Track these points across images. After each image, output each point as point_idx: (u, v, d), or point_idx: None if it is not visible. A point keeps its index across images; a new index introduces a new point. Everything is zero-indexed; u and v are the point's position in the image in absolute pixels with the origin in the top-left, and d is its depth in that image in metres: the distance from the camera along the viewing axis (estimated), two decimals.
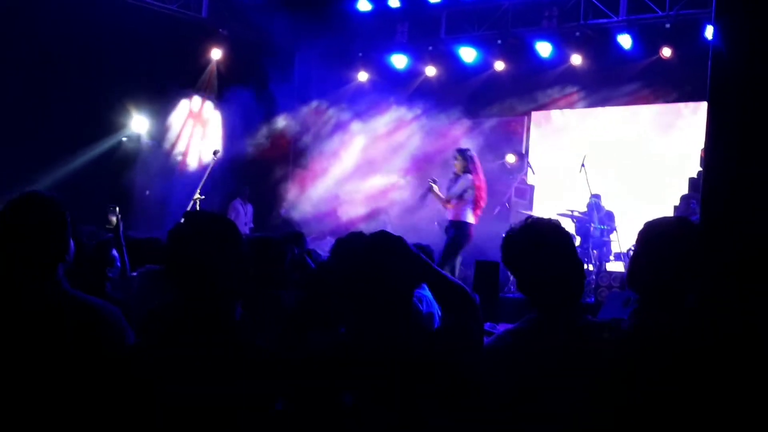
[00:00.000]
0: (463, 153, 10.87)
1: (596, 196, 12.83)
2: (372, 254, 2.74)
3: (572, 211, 12.83)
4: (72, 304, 2.95)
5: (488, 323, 6.24)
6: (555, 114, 15.50)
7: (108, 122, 14.04)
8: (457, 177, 10.76)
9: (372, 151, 14.91)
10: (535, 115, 15.60)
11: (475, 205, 10.71)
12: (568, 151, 14.97)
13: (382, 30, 15.71)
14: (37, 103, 12.70)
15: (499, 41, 14.90)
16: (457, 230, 10.67)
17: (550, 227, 3.02)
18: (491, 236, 12.75)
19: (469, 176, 10.63)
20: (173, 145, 15.12)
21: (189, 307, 2.78)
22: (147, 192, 13.80)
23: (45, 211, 3.04)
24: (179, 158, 15.14)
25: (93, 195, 8.74)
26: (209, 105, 15.80)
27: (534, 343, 2.82)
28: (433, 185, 10.92)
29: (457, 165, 10.76)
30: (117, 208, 5.22)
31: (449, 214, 10.82)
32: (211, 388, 2.67)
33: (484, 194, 10.81)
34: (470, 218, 10.72)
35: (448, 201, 10.70)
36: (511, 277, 12.66)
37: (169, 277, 2.85)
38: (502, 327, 6.48)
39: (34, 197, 3.08)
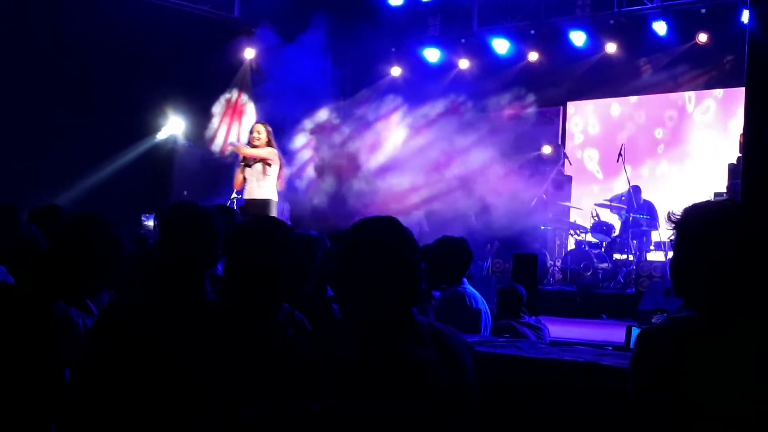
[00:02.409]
0: (265, 125, 9.86)
1: (635, 187, 12.72)
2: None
3: (610, 201, 12.74)
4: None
5: (532, 317, 6.22)
6: (591, 104, 15.38)
7: (145, 124, 14.16)
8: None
9: (407, 145, 14.90)
10: (570, 105, 15.50)
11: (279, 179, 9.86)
12: (605, 141, 14.87)
13: (415, 24, 15.70)
14: (75, 108, 12.84)
15: (533, 32, 14.84)
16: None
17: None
18: (529, 229, 12.76)
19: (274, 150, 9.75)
20: (210, 145, 15.21)
21: (239, 304, 2.83)
22: (185, 192, 13.90)
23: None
24: (216, 158, 15.22)
25: (131, 197, 8.83)
26: (244, 104, 15.88)
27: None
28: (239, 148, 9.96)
29: (261, 138, 9.65)
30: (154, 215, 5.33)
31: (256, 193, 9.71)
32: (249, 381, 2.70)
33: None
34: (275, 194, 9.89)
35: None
36: (550, 269, 12.64)
37: (228, 274, 2.89)
38: (543, 319, 6.47)
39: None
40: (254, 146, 9.63)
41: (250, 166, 9.62)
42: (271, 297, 2.87)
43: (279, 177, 9.77)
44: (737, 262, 2.39)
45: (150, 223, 10.83)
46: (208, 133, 15.27)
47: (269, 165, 9.60)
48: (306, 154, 15.50)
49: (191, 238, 3.26)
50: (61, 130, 12.53)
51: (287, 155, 14.87)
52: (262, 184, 9.60)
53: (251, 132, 9.80)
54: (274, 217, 3.00)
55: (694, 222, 2.47)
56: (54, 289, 3.20)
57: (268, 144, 9.64)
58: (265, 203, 9.54)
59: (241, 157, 9.83)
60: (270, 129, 9.79)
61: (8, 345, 3.07)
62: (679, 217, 2.51)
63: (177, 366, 2.86)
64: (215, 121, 15.49)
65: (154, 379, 2.97)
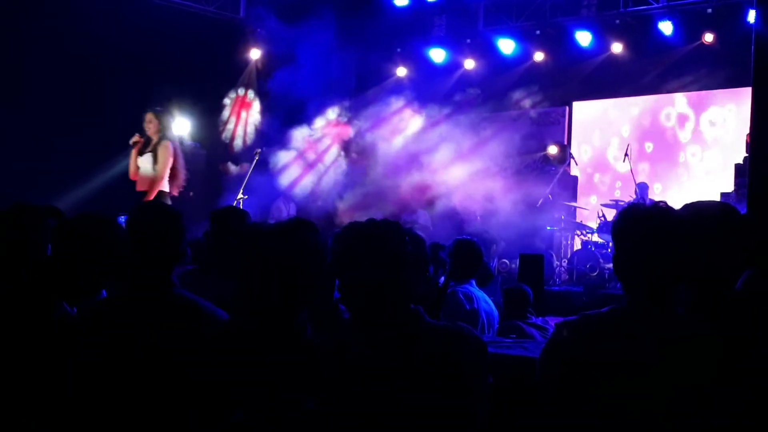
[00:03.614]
0: (159, 113, 9.18)
1: (642, 186, 12.70)
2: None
3: (617, 201, 12.71)
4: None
5: (538, 318, 6.22)
6: (597, 104, 15.35)
7: None
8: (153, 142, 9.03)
9: (412, 145, 14.89)
10: (576, 105, 15.47)
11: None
12: (612, 141, 14.85)
13: (420, 24, 15.69)
14: (80, 108, 12.84)
15: (538, 32, 14.82)
16: None
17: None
18: (536, 229, 12.75)
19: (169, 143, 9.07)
20: (215, 146, 15.23)
21: (257, 307, 2.86)
22: (191, 194, 13.90)
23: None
24: (221, 159, 15.24)
25: (137, 198, 8.82)
26: (250, 104, 15.91)
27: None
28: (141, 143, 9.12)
29: (152, 128, 9.02)
30: None
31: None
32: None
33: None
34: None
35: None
36: (556, 270, 12.62)
37: (245, 275, 2.91)
38: (550, 320, 6.46)
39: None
40: (147, 135, 8.96)
41: (141, 155, 8.96)
42: (293, 298, 2.88)
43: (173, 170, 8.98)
44: (668, 260, 2.62)
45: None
46: (214, 134, 15.29)
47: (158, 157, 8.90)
48: (310, 155, 15.51)
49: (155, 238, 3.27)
50: (66, 131, 12.53)
51: (290, 151, 14.90)
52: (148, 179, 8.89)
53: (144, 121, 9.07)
54: (296, 218, 3.00)
55: (629, 222, 2.74)
56: (56, 289, 3.22)
57: (159, 132, 8.95)
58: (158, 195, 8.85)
59: (134, 145, 9.05)
60: (164, 117, 9.16)
61: (12, 347, 3.08)
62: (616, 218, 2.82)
63: (175, 364, 2.89)
64: (220, 122, 15.54)
65: (152, 376, 3.01)
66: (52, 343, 3.12)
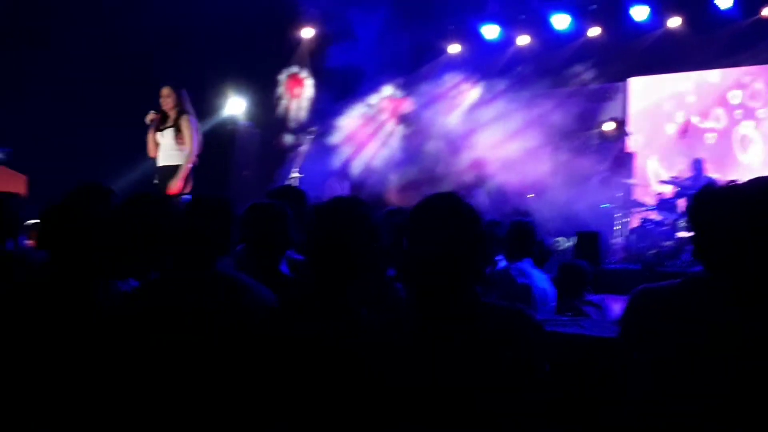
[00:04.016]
0: (176, 87, 9.01)
1: (698, 161, 12.48)
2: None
3: (675, 178, 12.51)
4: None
5: (594, 295, 6.14)
6: (653, 79, 15.09)
7: (206, 105, 14.26)
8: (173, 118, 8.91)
9: (467, 123, 14.80)
10: (632, 81, 15.22)
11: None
12: (669, 117, 14.61)
13: (473, 1, 15.54)
14: (135, 91, 12.96)
15: (594, 6, 14.63)
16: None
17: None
18: (591, 206, 12.61)
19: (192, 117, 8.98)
20: (269, 125, 15.30)
21: (322, 283, 2.90)
22: (245, 173, 14.01)
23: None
24: (277, 138, 15.31)
25: (192, 178, 8.88)
26: (303, 82, 15.94)
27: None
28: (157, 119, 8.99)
29: (170, 102, 8.89)
30: None
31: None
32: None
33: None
34: None
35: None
36: (613, 247, 12.48)
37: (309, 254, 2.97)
38: (606, 298, 6.38)
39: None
40: (163, 110, 8.87)
41: (161, 131, 8.87)
42: (350, 275, 2.91)
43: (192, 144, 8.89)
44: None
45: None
46: (268, 113, 15.35)
47: (180, 133, 8.83)
48: (363, 133, 15.51)
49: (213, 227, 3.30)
50: (121, 113, 12.67)
51: (338, 129, 14.92)
52: (174, 152, 8.84)
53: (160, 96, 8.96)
54: (351, 196, 3.02)
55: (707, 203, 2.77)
56: (110, 268, 3.25)
57: (177, 107, 8.87)
58: (176, 168, 8.80)
59: (150, 121, 8.94)
60: (181, 91, 8.98)
61: (59, 326, 3.11)
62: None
63: (226, 341, 2.91)
64: (275, 101, 15.59)
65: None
66: (104, 323, 3.14)
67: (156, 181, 8.79)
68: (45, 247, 3.28)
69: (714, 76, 14.32)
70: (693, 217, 2.81)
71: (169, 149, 8.81)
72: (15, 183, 9.05)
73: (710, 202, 2.75)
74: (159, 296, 3.17)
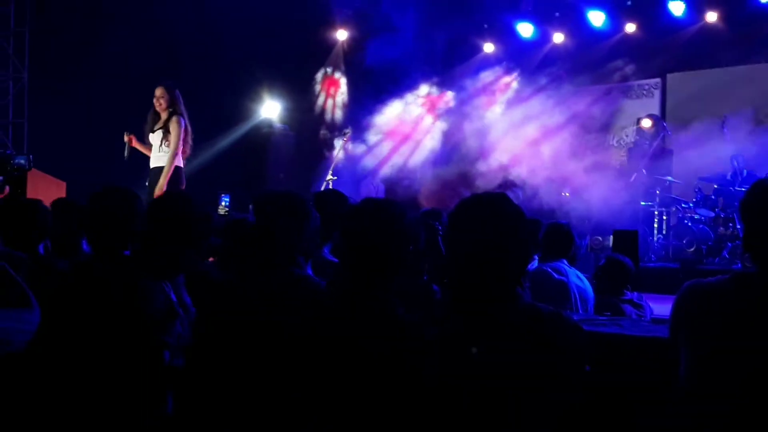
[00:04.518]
0: (170, 88, 8.83)
1: (737, 157, 12.33)
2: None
3: (714, 175, 12.37)
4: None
5: (634, 293, 6.07)
6: (691, 75, 14.93)
7: (241, 109, 14.37)
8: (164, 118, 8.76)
9: (503, 121, 14.75)
10: (670, 77, 15.08)
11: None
12: (707, 113, 14.44)
13: None
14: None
15: (629, 2, 14.52)
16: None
17: None
18: (629, 204, 12.50)
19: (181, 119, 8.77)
20: (304, 128, 15.35)
21: (354, 283, 2.90)
22: (281, 175, 14.06)
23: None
24: (312, 140, 15.36)
25: (229, 180, 8.95)
26: (338, 84, 15.99)
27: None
28: (132, 138, 8.86)
29: (163, 103, 8.72)
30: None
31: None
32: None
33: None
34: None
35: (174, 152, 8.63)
36: (652, 246, 12.37)
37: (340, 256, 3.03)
38: (645, 296, 6.31)
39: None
40: (155, 111, 8.73)
41: (153, 132, 8.73)
42: (382, 277, 2.91)
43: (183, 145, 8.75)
44: None
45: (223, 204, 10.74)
46: (303, 116, 15.40)
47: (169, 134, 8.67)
48: (398, 134, 15.51)
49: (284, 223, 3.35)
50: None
51: (373, 130, 14.93)
52: (163, 154, 8.68)
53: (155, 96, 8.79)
54: (386, 199, 3.05)
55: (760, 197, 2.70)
56: (149, 266, 3.29)
57: (171, 107, 8.70)
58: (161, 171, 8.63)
59: (129, 142, 8.85)
60: (175, 92, 8.81)
61: (107, 322, 3.15)
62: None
63: (280, 340, 2.93)
64: (309, 104, 15.65)
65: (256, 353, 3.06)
66: (154, 322, 3.19)
67: (147, 183, 8.67)
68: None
69: (751, 71, 14.14)
70: (744, 211, 2.74)
71: (157, 150, 8.70)
72: (55, 189, 9.15)
73: (763, 196, 2.69)
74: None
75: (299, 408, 2.86)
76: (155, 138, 8.68)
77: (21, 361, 3.13)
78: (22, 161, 7.92)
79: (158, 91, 8.69)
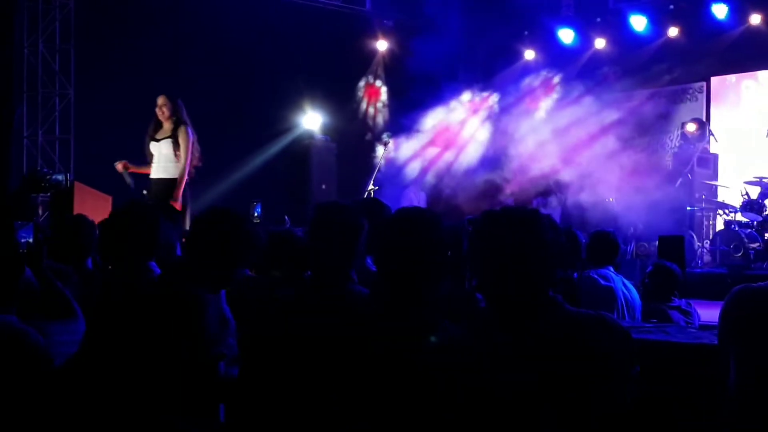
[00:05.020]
0: (173, 98, 8.60)
1: None
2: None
3: (760, 179, 12.20)
4: None
5: (682, 300, 6.01)
6: (736, 78, 14.76)
7: (282, 121, 14.47)
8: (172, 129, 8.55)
9: (545, 128, 14.68)
10: (714, 80, 14.92)
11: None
12: (753, 116, 14.27)
13: (547, 5, 15.44)
14: (213, 107, 13.22)
15: (671, 6, 14.40)
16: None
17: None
18: (674, 209, 12.36)
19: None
20: (345, 138, 15.40)
21: (395, 288, 2.89)
22: (323, 186, 14.12)
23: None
24: (354, 150, 15.41)
25: (270, 191, 8.99)
26: (379, 94, 16.05)
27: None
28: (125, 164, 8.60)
29: (166, 111, 8.50)
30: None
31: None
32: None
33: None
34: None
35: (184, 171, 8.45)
36: (698, 251, 12.22)
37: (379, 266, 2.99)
38: (692, 303, 6.24)
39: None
40: (158, 120, 8.54)
41: (157, 141, 8.51)
42: (421, 287, 2.89)
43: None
44: None
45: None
46: (345, 127, 15.46)
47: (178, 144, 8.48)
48: (439, 143, 15.51)
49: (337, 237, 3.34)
50: (199, 131, 12.91)
51: (414, 138, 14.93)
52: (170, 164, 8.49)
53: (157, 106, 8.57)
54: (419, 207, 3.03)
55: None
56: (196, 279, 3.33)
57: (174, 115, 8.51)
58: (173, 182, 8.45)
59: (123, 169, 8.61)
60: (177, 101, 8.59)
61: (159, 336, 3.18)
62: None
63: (325, 351, 2.94)
64: (350, 115, 15.71)
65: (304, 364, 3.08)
66: (209, 334, 3.22)
67: (145, 192, 8.49)
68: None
69: None
70: None
71: (164, 161, 8.45)
72: (102, 203, 9.26)
73: None
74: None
75: (349, 421, 2.86)
76: (158, 148, 8.46)
77: (70, 372, 3.17)
78: (60, 177, 7.97)
79: (160, 100, 8.49)
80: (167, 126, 8.47)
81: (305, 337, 3.14)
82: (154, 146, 8.47)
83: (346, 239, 3.30)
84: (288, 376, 3.15)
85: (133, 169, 8.57)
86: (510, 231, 2.61)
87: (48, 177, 8.05)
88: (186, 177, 8.38)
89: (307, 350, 3.12)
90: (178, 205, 8.21)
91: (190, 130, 8.45)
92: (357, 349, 2.90)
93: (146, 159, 8.60)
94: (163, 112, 8.42)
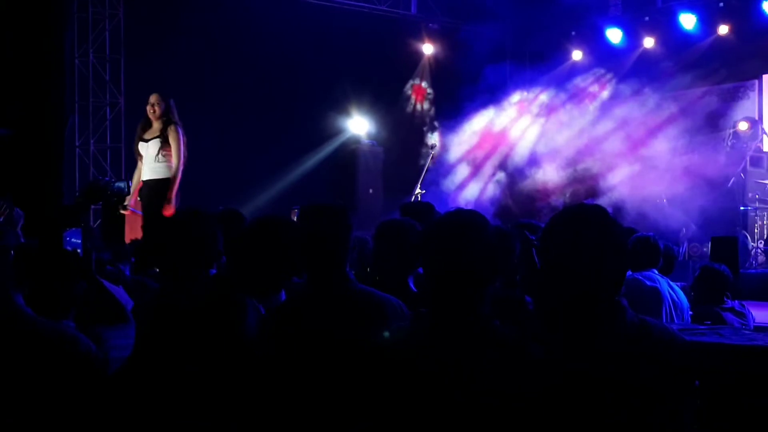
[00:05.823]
0: (166, 97, 8.33)
1: None
2: None
3: None
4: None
5: (735, 301, 5.91)
6: None
7: (329, 126, 14.53)
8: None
9: (595, 129, 14.57)
10: (766, 78, 14.67)
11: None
12: None
13: (594, 5, 15.31)
14: (260, 112, 13.33)
15: (721, 4, 14.20)
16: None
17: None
18: (727, 210, 12.17)
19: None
20: (392, 143, 15.41)
21: (439, 298, 2.85)
22: (370, 191, 14.14)
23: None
24: (400, 155, 15.41)
25: (318, 197, 9.01)
26: (425, 96, 16.04)
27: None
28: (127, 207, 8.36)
29: (157, 110, 8.23)
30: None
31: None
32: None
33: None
34: None
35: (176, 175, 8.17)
36: (752, 252, 12.02)
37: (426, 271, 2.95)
38: (747, 304, 6.13)
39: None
40: (147, 119, 8.25)
41: (146, 142, 8.23)
42: (470, 292, 2.82)
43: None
44: None
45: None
46: (391, 131, 15.47)
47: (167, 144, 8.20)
48: (487, 145, 15.47)
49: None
50: (244, 137, 13.01)
51: (463, 141, 14.88)
52: (160, 165, 8.20)
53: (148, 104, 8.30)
54: (470, 210, 2.98)
55: None
56: (245, 285, 3.34)
57: (165, 115, 8.23)
58: (163, 183, 8.16)
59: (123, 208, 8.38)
60: (170, 101, 8.31)
61: (207, 338, 3.20)
62: None
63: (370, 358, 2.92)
64: (397, 120, 15.72)
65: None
66: (245, 342, 3.23)
67: (139, 199, 8.37)
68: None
69: None
70: None
71: (152, 161, 8.18)
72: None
73: None
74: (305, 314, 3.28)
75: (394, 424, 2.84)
76: (147, 147, 8.21)
77: (123, 380, 3.20)
78: (122, 185, 7.98)
79: (153, 98, 8.23)
80: (156, 126, 8.23)
81: (333, 341, 3.15)
82: (142, 146, 8.26)
83: (338, 235, 3.33)
84: (314, 379, 3.14)
85: (133, 198, 8.38)
86: (589, 230, 2.56)
87: (110, 185, 8.01)
88: (179, 178, 8.13)
89: (332, 354, 3.12)
90: (170, 210, 7.92)
91: (180, 131, 8.20)
92: (402, 353, 2.88)
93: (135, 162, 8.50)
94: (154, 111, 8.18)
